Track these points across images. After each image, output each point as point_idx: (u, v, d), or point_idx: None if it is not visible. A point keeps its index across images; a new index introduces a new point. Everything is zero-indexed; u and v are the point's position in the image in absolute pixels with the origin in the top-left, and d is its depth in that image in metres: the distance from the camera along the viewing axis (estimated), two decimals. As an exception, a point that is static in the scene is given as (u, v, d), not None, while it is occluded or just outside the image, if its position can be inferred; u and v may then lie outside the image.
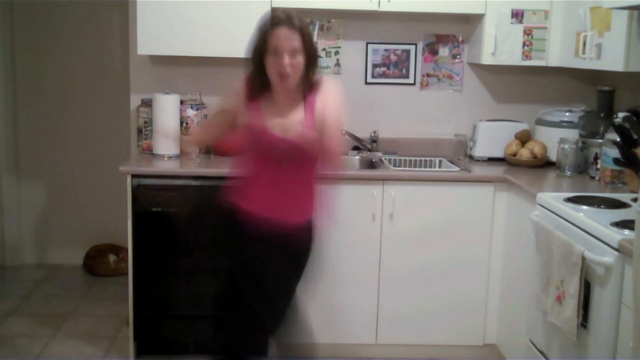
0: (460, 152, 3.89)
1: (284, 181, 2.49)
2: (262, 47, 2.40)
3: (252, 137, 2.51)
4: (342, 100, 2.53)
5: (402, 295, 3.49)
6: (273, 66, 2.39)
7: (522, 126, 3.83)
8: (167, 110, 3.59)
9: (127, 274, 3.42)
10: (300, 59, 2.39)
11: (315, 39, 3.87)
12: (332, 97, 2.50)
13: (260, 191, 2.52)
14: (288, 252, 2.53)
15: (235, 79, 3.86)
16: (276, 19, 2.39)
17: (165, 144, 3.59)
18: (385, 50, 3.95)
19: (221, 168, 3.45)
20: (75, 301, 4.21)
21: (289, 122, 2.45)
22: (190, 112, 3.68)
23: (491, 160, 3.82)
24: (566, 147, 3.48)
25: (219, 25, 3.49)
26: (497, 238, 3.45)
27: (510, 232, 3.38)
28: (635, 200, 2.67)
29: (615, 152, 3.05)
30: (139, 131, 3.79)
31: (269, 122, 2.45)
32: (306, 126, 2.44)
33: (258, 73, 2.45)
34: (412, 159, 3.89)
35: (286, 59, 2.36)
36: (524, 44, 3.63)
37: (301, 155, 2.45)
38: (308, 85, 2.47)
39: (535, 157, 3.67)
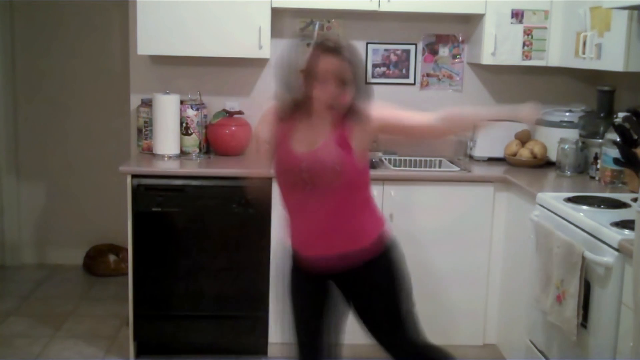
0: (460, 152, 3.90)
1: (321, 208, 2.34)
2: (310, 72, 2.28)
3: (277, 160, 2.40)
4: (384, 103, 2.46)
5: (402, 295, 3.48)
6: (318, 94, 2.27)
7: (522, 126, 3.83)
8: (167, 110, 3.59)
9: (127, 274, 3.42)
10: (345, 91, 2.27)
11: (315, 39, 3.87)
12: (379, 107, 2.42)
13: (305, 227, 2.40)
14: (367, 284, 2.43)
15: (240, 82, 3.87)
16: (327, 47, 2.30)
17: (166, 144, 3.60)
18: (385, 50, 3.95)
19: (221, 168, 3.46)
20: (75, 301, 4.21)
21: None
22: (190, 112, 3.68)
23: (491, 160, 3.82)
24: (566, 147, 3.48)
25: (219, 25, 3.49)
26: (497, 238, 3.45)
27: (510, 232, 3.38)
28: (635, 200, 2.67)
29: (615, 152, 3.05)
30: (139, 131, 3.79)
31: (293, 144, 2.35)
32: (323, 150, 2.31)
33: (303, 95, 2.31)
34: (412, 159, 3.89)
35: (331, 90, 2.25)
36: (524, 44, 3.63)
37: (322, 174, 2.30)
38: (347, 112, 2.34)
39: (535, 157, 3.67)
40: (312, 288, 2.47)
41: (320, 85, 2.26)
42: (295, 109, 2.36)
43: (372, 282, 2.43)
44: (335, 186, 2.31)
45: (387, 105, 2.45)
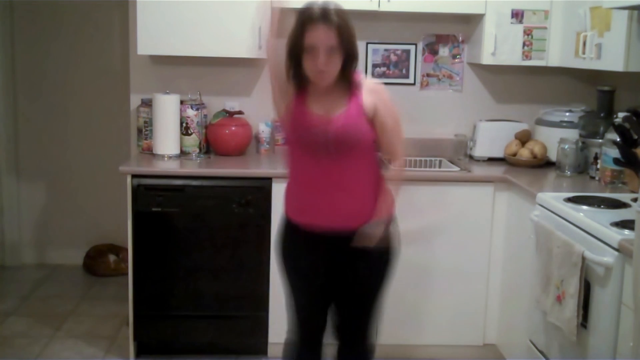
0: (460, 152, 3.89)
1: (336, 177, 2.34)
2: (298, 44, 2.27)
3: (295, 124, 2.37)
4: (393, 102, 2.43)
5: (402, 295, 3.48)
6: (310, 64, 2.27)
7: (522, 126, 3.83)
8: (167, 110, 3.59)
9: (127, 274, 3.42)
10: (337, 57, 2.26)
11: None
12: (386, 100, 2.40)
13: (310, 195, 2.39)
14: (362, 260, 2.43)
15: (240, 82, 3.87)
16: (312, 16, 2.26)
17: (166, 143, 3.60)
18: (385, 50, 3.95)
19: (221, 168, 3.46)
20: (75, 301, 4.21)
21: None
22: (190, 112, 3.69)
23: (491, 160, 3.82)
24: (566, 147, 3.48)
25: (219, 25, 3.49)
26: (497, 238, 3.45)
27: (510, 232, 3.38)
28: (635, 200, 2.67)
29: (615, 152, 3.05)
30: (139, 131, 3.79)
31: (309, 112, 2.34)
32: (350, 116, 2.32)
33: (296, 69, 2.33)
34: (412, 159, 3.89)
35: (322, 58, 2.23)
36: (524, 44, 3.63)
37: (349, 140, 2.31)
38: (348, 81, 2.35)
39: (535, 157, 3.67)
40: (311, 256, 2.44)
41: (310, 57, 2.26)
42: (301, 81, 2.35)
43: (361, 271, 2.44)
44: (354, 154, 2.33)
45: (393, 109, 2.43)
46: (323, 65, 2.24)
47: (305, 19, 2.27)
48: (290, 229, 2.48)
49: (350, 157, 2.35)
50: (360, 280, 2.48)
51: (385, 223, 2.42)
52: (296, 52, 2.29)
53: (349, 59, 2.31)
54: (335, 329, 2.58)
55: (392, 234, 2.50)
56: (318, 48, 2.24)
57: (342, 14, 2.30)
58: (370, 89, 2.39)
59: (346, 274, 2.46)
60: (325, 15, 2.25)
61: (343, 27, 2.27)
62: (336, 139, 2.30)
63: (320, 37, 2.23)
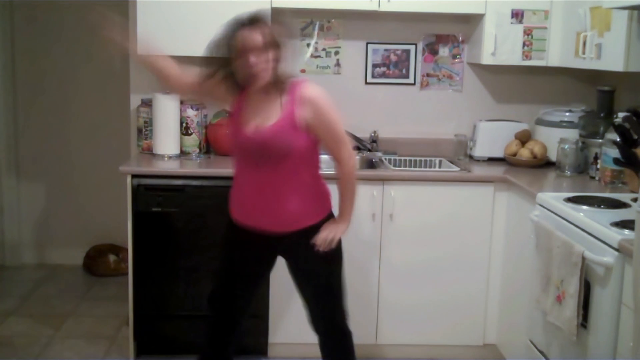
0: (460, 152, 3.89)
1: (265, 185, 2.48)
2: (229, 51, 2.40)
3: (231, 133, 2.57)
4: (332, 106, 2.48)
5: (402, 295, 3.49)
6: (241, 68, 2.39)
7: (522, 126, 3.83)
8: (167, 110, 3.59)
9: (127, 274, 3.42)
10: (266, 56, 2.37)
11: (315, 39, 3.88)
12: (321, 112, 2.45)
13: (243, 197, 2.58)
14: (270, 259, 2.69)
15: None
16: (239, 22, 2.41)
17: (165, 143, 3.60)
18: (385, 50, 3.95)
19: (221, 168, 3.46)
20: (75, 301, 4.21)
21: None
22: (190, 112, 3.69)
23: (491, 160, 3.82)
24: (566, 147, 3.48)
25: (219, 25, 3.47)
26: (497, 238, 3.45)
27: (510, 232, 3.38)
28: (635, 200, 2.67)
29: (615, 152, 3.04)
30: (139, 131, 3.79)
31: (244, 120, 2.49)
32: (279, 128, 2.43)
33: (229, 76, 2.46)
34: (412, 159, 3.89)
35: (252, 58, 2.35)
36: (524, 44, 3.63)
37: (274, 154, 2.44)
38: (281, 83, 2.44)
39: (535, 157, 3.67)
40: (242, 250, 2.63)
41: (239, 61, 2.38)
42: (236, 88, 2.49)
43: (305, 255, 2.57)
44: (280, 165, 2.45)
45: (331, 115, 2.48)
46: (253, 65, 2.36)
47: (233, 26, 2.42)
48: (230, 222, 2.65)
49: (281, 166, 2.47)
50: (300, 270, 2.64)
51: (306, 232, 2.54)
52: (227, 61, 2.42)
53: (278, 57, 2.41)
54: (309, 322, 2.72)
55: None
56: (246, 50, 2.35)
57: (267, 17, 2.47)
58: (307, 99, 2.44)
59: (291, 267, 2.65)
60: (250, 20, 2.40)
61: (268, 28, 2.40)
62: (264, 151, 2.44)
63: (247, 39, 2.36)
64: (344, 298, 2.69)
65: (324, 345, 2.73)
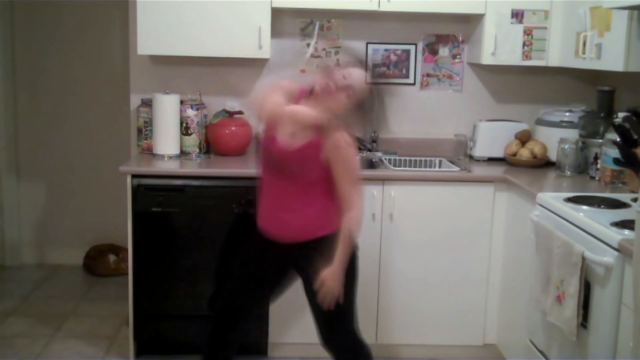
0: (460, 152, 3.89)
1: (286, 197, 2.58)
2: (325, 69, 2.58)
3: (264, 143, 2.63)
4: (352, 150, 2.55)
5: (402, 295, 3.49)
6: (336, 101, 2.50)
7: (522, 126, 3.83)
8: (167, 110, 3.59)
9: (127, 274, 3.42)
10: (345, 95, 2.49)
11: (315, 39, 3.88)
12: (341, 157, 2.52)
13: (267, 206, 2.66)
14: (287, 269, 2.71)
15: (240, 82, 3.88)
16: (355, 59, 2.62)
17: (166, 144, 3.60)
18: (385, 50, 3.95)
19: (221, 168, 3.46)
20: (75, 301, 4.21)
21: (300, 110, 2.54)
22: (190, 112, 3.68)
23: (491, 160, 3.82)
24: (566, 147, 3.49)
25: (219, 25, 3.49)
26: (497, 238, 3.45)
27: (510, 232, 3.38)
28: (635, 200, 2.67)
29: (615, 152, 3.05)
30: (139, 131, 3.79)
31: (280, 131, 2.56)
32: (305, 148, 2.51)
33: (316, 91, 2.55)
34: (412, 159, 3.89)
35: (342, 76, 2.49)
36: (524, 44, 3.63)
37: (297, 167, 2.52)
38: (328, 128, 2.51)
39: (535, 157, 3.67)
40: (261, 255, 2.70)
41: (339, 91, 2.48)
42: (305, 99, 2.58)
43: (314, 268, 2.57)
44: (304, 182, 2.55)
45: (347, 162, 2.55)
46: (342, 80, 2.49)
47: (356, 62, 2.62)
48: (256, 228, 2.71)
49: (301, 183, 2.56)
50: (309, 277, 2.62)
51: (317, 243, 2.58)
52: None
53: (353, 112, 2.54)
54: (320, 339, 2.72)
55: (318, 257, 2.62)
56: (350, 86, 2.50)
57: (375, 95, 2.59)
58: (334, 144, 2.52)
59: (303, 277, 2.67)
60: (365, 68, 2.59)
61: (366, 89, 2.54)
62: (288, 163, 2.53)
63: (352, 75, 2.51)
64: (354, 314, 2.70)
65: (334, 356, 2.72)
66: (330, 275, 2.51)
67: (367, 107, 2.55)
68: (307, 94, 2.59)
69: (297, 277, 2.71)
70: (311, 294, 2.62)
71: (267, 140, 2.60)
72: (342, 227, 2.53)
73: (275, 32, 3.68)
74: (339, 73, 2.51)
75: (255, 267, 2.71)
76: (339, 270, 2.52)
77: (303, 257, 2.60)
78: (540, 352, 2.85)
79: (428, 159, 3.91)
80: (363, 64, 2.61)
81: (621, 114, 3.03)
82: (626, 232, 2.33)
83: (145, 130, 3.74)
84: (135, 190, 3.30)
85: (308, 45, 3.92)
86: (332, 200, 2.58)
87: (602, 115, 3.50)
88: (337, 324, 2.67)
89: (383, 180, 3.41)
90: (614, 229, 2.38)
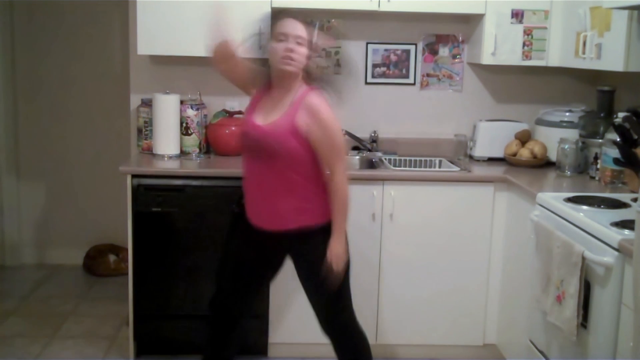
0: (460, 152, 3.89)
1: (262, 180, 2.57)
2: (270, 35, 2.53)
3: (242, 126, 2.67)
4: (333, 118, 2.53)
5: (402, 295, 3.49)
6: (277, 51, 2.48)
7: (522, 126, 3.83)
8: (167, 110, 3.59)
9: (127, 274, 3.42)
10: (303, 50, 2.50)
11: (314, 38, 3.87)
12: (320, 123, 2.50)
13: (247, 191, 2.66)
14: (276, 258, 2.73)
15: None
16: (285, 12, 2.58)
17: (166, 144, 3.60)
18: (385, 50, 3.95)
19: (221, 168, 3.46)
20: (75, 301, 4.21)
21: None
22: (190, 112, 3.68)
23: (491, 160, 3.82)
24: (566, 147, 3.48)
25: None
26: (497, 238, 3.45)
27: (510, 232, 3.38)
28: (635, 200, 2.67)
29: (615, 152, 3.04)
30: (139, 131, 3.79)
31: (255, 113, 2.59)
32: (276, 128, 2.50)
33: (263, 64, 2.58)
34: (412, 159, 3.89)
35: (291, 44, 2.47)
36: (524, 44, 3.63)
37: (265, 150, 2.51)
38: (301, 87, 2.54)
39: (535, 157, 3.67)
40: (243, 243, 2.70)
41: (276, 44, 2.49)
42: (264, 80, 2.59)
43: (305, 259, 2.63)
44: (275, 163, 2.51)
45: (329, 132, 2.53)
46: (290, 50, 2.46)
47: (279, 13, 2.60)
48: (238, 217, 2.73)
49: (274, 164, 2.52)
50: (306, 274, 2.66)
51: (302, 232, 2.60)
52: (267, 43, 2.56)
53: (310, 57, 2.54)
54: (319, 325, 2.74)
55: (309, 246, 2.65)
56: (287, 35, 2.48)
57: (315, 25, 2.65)
58: (309, 109, 2.51)
59: (297, 271, 2.69)
60: (297, 14, 2.55)
61: (314, 31, 2.56)
62: (258, 145, 2.53)
63: (290, 27, 2.49)
64: (350, 299, 2.72)
65: (336, 347, 2.75)
66: (334, 248, 2.54)
67: (320, 51, 2.61)
68: (264, 83, 2.63)
69: (292, 263, 2.71)
70: (306, 280, 2.66)
71: (245, 124, 2.62)
72: (332, 199, 2.55)
73: (275, 32, 3.68)
74: (285, 38, 2.50)
75: (251, 266, 2.71)
76: (342, 239, 2.56)
77: (293, 250, 2.63)
78: (540, 352, 2.85)
79: (428, 159, 3.91)
80: (295, 13, 2.60)
81: (621, 114, 3.03)
82: (626, 232, 2.32)
83: (145, 130, 3.75)
84: (135, 190, 3.30)
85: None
86: (315, 190, 2.57)
87: (602, 115, 3.50)
88: (334, 308, 2.68)
89: (383, 180, 3.41)
90: (614, 229, 2.38)
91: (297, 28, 2.49)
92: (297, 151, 2.50)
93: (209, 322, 2.80)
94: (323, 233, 2.57)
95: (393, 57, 3.96)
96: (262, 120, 2.55)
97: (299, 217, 2.56)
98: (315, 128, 2.49)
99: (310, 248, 2.59)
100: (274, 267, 2.77)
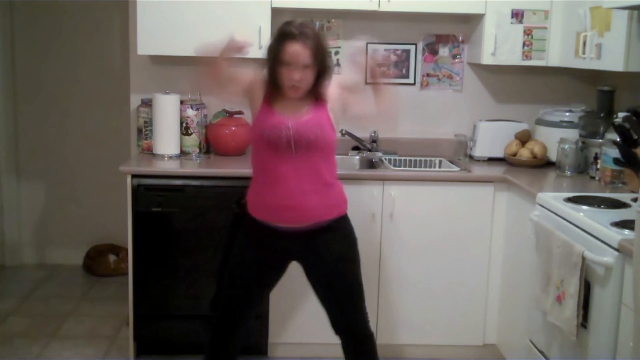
0: (460, 152, 3.89)
1: (304, 173, 2.54)
2: (275, 57, 2.49)
3: (261, 122, 2.58)
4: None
5: (402, 295, 3.49)
6: (284, 77, 2.50)
7: (522, 126, 3.83)
8: (167, 110, 3.59)
9: (127, 274, 3.42)
10: (309, 73, 2.50)
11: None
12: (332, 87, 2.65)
13: (278, 189, 2.56)
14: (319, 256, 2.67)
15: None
16: (291, 33, 2.47)
17: (167, 144, 3.60)
18: (385, 50, 3.95)
19: (221, 168, 3.46)
20: (75, 301, 4.21)
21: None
22: (190, 112, 3.69)
23: (491, 160, 3.82)
24: (566, 147, 3.49)
25: (219, 25, 3.48)
26: (497, 238, 3.45)
27: (510, 232, 3.38)
28: (635, 200, 2.67)
29: (615, 152, 3.05)
30: (139, 131, 3.80)
31: (278, 112, 2.57)
32: (314, 115, 2.57)
33: (271, 77, 2.55)
34: (412, 159, 3.89)
35: (296, 75, 2.47)
36: (524, 44, 3.63)
37: (309, 134, 2.52)
38: (317, 94, 2.59)
39: (535, 157, 3.67)
40: (268, 257, 2.66)
41: (285, 71, 2.48)
42: (273, 88, 2.57)
43: (334, 254, 2.63)
44: (311, 154, 2.53)
45: (339, 85, 2.70)
46: (297, 81, 2.48)
47: (284, 35, 2.49)
48: (249, 223, 2.67)
49: (313, 157, 2.55)
50: (325, 272, 2.65)
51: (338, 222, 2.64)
52: (273, 63, 2.51)
53: (321, 74, 2.55)
54: (331, 325, 2.72)
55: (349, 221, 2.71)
56: (293, 64, 2.46)
57: (317, 34, 2.55)
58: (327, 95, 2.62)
59: (314, 271, 2.67)
60: (302, 34, 2.46)
61: (318, 48, 2.50)
62: (297, 139, 2.51)
63: (296, 55, 2.45)
64: (364, 300, 2.74)
65: (347, 347, 2.75)
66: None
67: (324, 64, 2.56)
68: (270, 90, 2.61)
69: (309, 267, 2.69)
70: (317, 280, 2.66)
71: (271, 123, 2.54)
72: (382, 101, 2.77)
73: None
74: (290, 68, 2.50)
75: (254, 267, 2.69)
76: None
77: (323, 237, 2.60)
78: (540, 352, 2.85)
79: (428, 159, 3.91)
80: (290, 30, 2.53)
81: (621, 114, 3.03)
82: (626, 232, 2.32)
83: (145, 130, 3.75)
84: (135, 190, 3.30)
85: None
86: (335, 181, 2.67)
87: (602, 115, 3.50)
88: (351, 310, 2.70)
89: (383, 180, 3.41)
90: (614, 229, 2.38)
91: (303, 57, 2.45)
92: (333, 140, 2.62)
93: (211, 323, 2.78)
94: (349, 222, 2.67)
95: (393, 57, 3.96)
96: (293, 117, 2.54)
97: (334, 207, 2.62)
98: (334, 96, 2.64)
99: (340, 237, 2.64)
100: (279, 272, 2.75)
